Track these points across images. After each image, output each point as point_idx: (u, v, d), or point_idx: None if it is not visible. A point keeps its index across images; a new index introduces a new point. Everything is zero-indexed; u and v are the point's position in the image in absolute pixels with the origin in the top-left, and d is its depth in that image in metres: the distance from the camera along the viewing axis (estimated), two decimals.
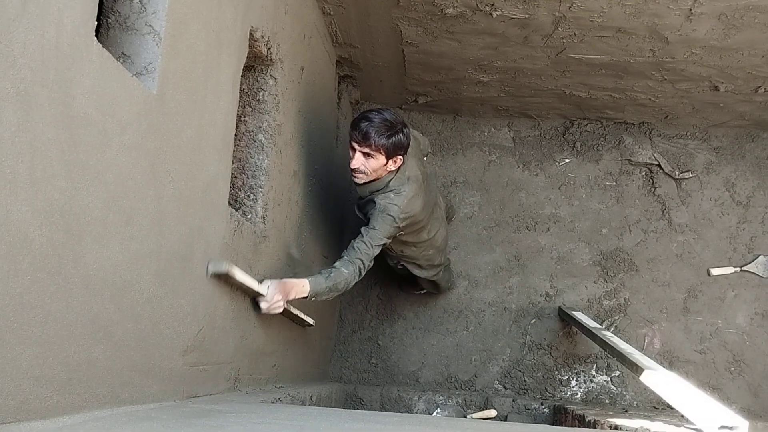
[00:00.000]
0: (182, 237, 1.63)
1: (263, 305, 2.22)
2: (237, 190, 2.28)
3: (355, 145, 2.53)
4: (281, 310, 2.31)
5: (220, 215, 1.89)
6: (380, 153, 2.53)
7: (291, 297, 2.33)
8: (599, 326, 3.39)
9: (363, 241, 2.59)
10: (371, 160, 2.54)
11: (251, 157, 2.31)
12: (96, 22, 1.23)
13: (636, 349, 3.09)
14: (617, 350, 2.71)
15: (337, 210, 3.71)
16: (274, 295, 2.23)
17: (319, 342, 3.52)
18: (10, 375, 1.02)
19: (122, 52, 1.43)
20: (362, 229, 2.64)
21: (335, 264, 2.54)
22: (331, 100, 3.50)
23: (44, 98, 1.04)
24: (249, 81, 2.34)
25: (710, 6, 2.64)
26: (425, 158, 3.08)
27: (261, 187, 2.31)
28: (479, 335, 3.97)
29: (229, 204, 2.15)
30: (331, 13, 3.02)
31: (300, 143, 2.78)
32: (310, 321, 2.90)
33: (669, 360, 3.82)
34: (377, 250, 2.63)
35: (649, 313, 3.88)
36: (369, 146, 2.51)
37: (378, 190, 2.65)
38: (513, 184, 4.13)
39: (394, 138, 2.52)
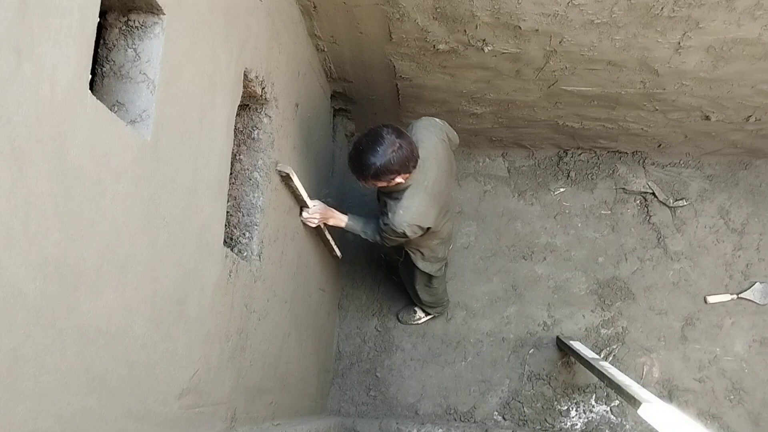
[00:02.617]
0: (177, 280, 1.64)
1: (304, 214, 2.81)
2: (233, 228, 2.29)
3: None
4: (314, 225, 2.88)
5: (216, 256, 1.90)
6: (381, 182, 2.62)
7: (329, 222, 2.95)
8: (597, 356, 3.39)
9: (381, 229, 2.83)
10: (379, 184, 2.65)
11: (246, 195, 2.33)
12: (90, 73, 1.25)
13: (635, 378, 3.09)
14: (615, 382, 2.70)
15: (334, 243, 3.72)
16: (316, 212, 2.84)
17: (317, 375, 3.51)
18: (3, 430, 1.02)
19: (117, 101, 1.44)
20: (381, 222, 2.83)
21: (371, 218, 2.94)
22: (327, 134, 3.53)
23: (39, 153, 1.06)
24: (244, 120, 2.37)
25: (698, 39, 2.68)
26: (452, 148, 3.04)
27: (256, 225, 2.32)
28: (478, 366, 3.96)
29: (225, 243, 2.16)
30: (325, 49, 3.06)
31: (298, 178, 2.79)
32: (338, 252, 3.37)
33: (668, 389, 3.80)
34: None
35: (647, 342, 3.87)
36: (368, 183, 2.63)
37: (394, 192, 2.72)
38: (509, 213, 4.14)
39: (386, 169, 2.55)
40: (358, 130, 4.07)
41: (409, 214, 2.72)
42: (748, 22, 2.54)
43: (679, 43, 2.72)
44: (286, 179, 2.52)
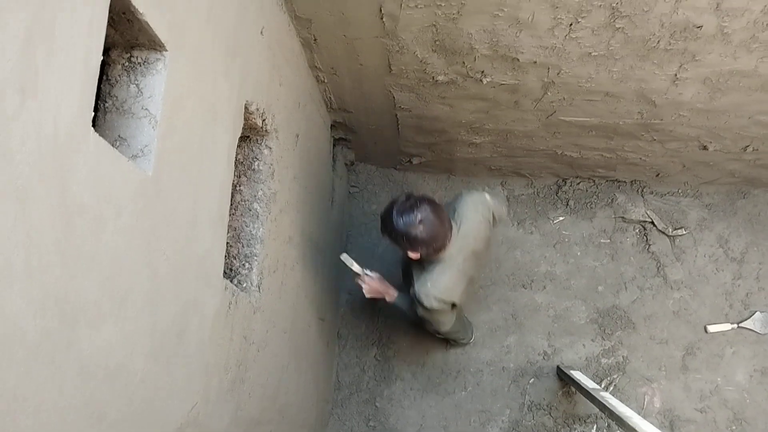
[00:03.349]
0: (176, 312, 1.64)
1: (364, 287, 3.08)
2: (232, 259, 2.30)
3: None
4: (368, 296, 3.12)
5: (215, 287, 1.90)
6: (414, 252, 2.67)
7: (378, 296, 3.13)
8: (597, 387, 3.37)
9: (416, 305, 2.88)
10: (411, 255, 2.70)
11: (246, 226, 2.34)
12: (93, 109, 1.27)
13: (636, 409, 3.07)
14: (616, 414, 2.69)
15: (334, 272, 3.72)
16: (370, 288, 3.09)
17: (316, 405, 3.49)
18: None
19: (119, 136, 1.46)
20: (412, 294, 2.87)
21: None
22: (327, 163, 3.55)
23: (41, 190, 1.07)
24: (245, 151, 2.38)
25: (695, 71, 2.71)
26: (494, 224, 3.03)
27: (256, 256, 2.33)
28: (478, 395, 3.93)
29: (225, 274, 2.16)
30: (325, 80, 3.09)
31: (295, 209, 2.81)
32: None
33: (669, 419, 3.77)
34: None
35: (648, 371, 3.86)
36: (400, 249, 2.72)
37: (425, 263, 2.75)
38: (508, 242, 4.15)
39: (415, 240, 2.60)
40: (358, 159, 4.10)
41: (437, 288, 2.77)
42: (744, 54, 2.57)
43: (676, 75, 2.75)
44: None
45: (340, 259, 3.05)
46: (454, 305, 2.90)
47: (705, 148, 3.46)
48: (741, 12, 2.32)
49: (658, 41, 2.52)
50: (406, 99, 3.23)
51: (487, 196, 2.99)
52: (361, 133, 3.73)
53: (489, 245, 3.06)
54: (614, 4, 2.32)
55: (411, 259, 2.79)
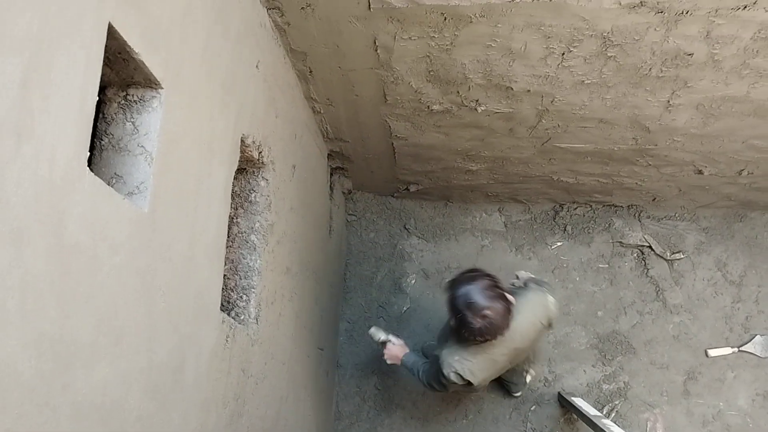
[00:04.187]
0: (173, 348, 1.64)
1: (386, 353, 3.25)
2: (230, 291, 2.29)
3: None
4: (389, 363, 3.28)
5: (212, 322, 1.90)
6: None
7: (397, 362, 3.24)
8: (599, 414, 3.34)
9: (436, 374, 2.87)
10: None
11: (244, 258, 2.34)
12: (89, 148, 1.28)
13: None
14: None
15: (332, 301, 3.71)
16: (390, 354, 3.23)
17: None
18: None
19: (115, 173, 1.47)
20: (438, 353, 2.87)
21: (426, 362, 3.08)
22: (324, 193, 3.56)
23: (37, 232, 1.07)
24: (241, 183, 2.39)
25: (687, 98, 2.73)
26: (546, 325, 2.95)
27: (254, 288, 2.33)
28: (479, 424, 3.90)
29: (222, 307, 2.16)
30: (321, 111, 3.11)
31: (293, 239, 2.81)
32: None
33: None
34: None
35: (649, 397, 3.83)
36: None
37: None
38: (506, 268, 4.13)
39: (467, 327, 2.56)
40: (356, 188, 4.11)
41: (462, 366, 2.74)
42: (736, 80, 2.59)
43: (669, 101, 2.78)
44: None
45: (368, 333, 3.34)
46: (470, 383, 2.86)
47: (700, 172, 3.47)
48: (731, 39, 2.34)
49: (650, 69, 2.55)
50: (402, 128, 3.26)
51: (551, 300, 2.90)
52: (358, 161, 3.75)
53: (534, 343, 3.02)
54: (605, 34, 2.35)
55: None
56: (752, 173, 3.44)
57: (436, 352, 2.95)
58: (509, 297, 2.62)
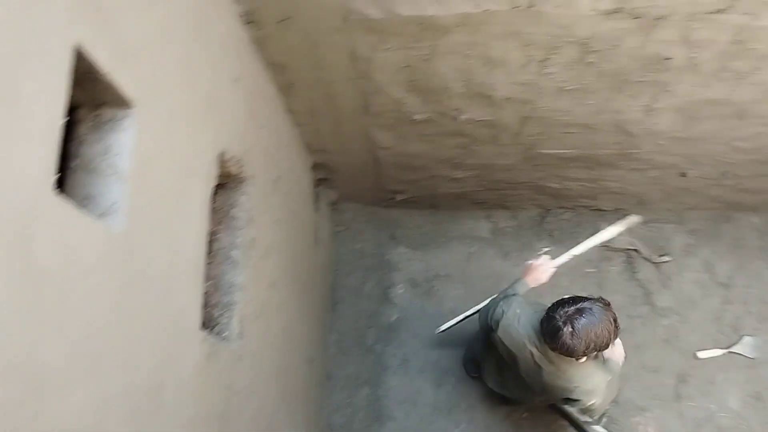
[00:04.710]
0: (152, 371, 1.61)
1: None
2: (212, 308, 2.27)
3: None
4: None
5: (193, 341, 1.87)
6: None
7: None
8: (590, 419, 3.33)
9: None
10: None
11: (226, 274, 2.32)
12: (60, 169, 1.26)
13: None
14: None
15: (321, 313, 3.70)
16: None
17: None
18: None
19: (87, 194, 1.45)
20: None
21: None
22: (308, 204, 3.54)
23: (4, 258, 1.05)
24: (222, 198, 2.38)
25: (667, 102, 2.74)
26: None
27: (236, 303, 2.30)
28: None
29: (204, 324, 2.14)
30: (304, 123, 3.10)
31: (278, 252, 2.79)
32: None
33: None
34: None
35: (641, 401, 3.82)
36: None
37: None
38: (495, 275, 4.13)
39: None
40: (341, 198, 4.10)
41: (509, 317, 2.94)
42: (715, 83, 2.60)
43: (650, 105, 2.78)
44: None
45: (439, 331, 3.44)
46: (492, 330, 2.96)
47: (685, 174, 3.48)
48: (708, 43, 2.35)
49: (630, 74, 2.55)
50: (386, 138, 3.25)
51: (612, 372, 2.97)
52: (343, 172, 3.74)
53: (550, 399, 3.05)
54: (584, 41, 2.35)
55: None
56: (737, 174, 3.45)
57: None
58: (607, 349, 2.68)
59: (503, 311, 2.93)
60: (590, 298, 2.64)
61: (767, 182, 3.54)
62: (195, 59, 1.82)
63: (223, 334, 2.25)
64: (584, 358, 2.70)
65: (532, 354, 2.81)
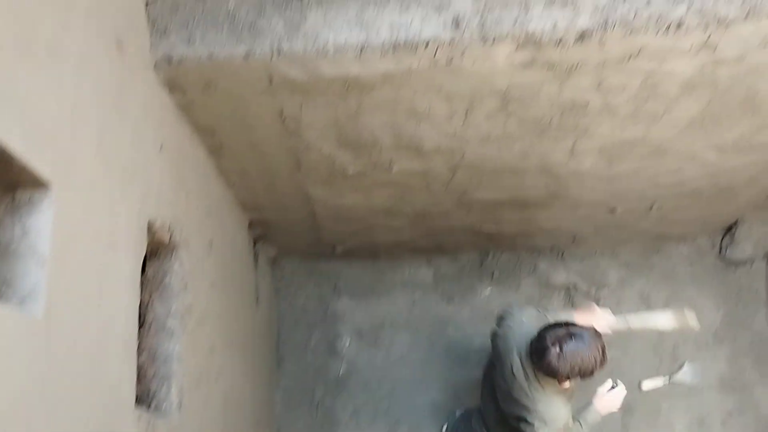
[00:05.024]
0: None
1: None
2: (148, 381, 2.21)
3: None
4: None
5: (127, 419, 1.82)
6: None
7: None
8: None
9: None
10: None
11: (161, 345, 2.26)
12: None
13: None
14: None
15: (265, 373, 3.63)
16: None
17: None
18: None
19: (4, 279, 1.41)
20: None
21: None
22: (247, 263, 3.50)
23: None
24: (154, 267, 2.33)
25: (588, 144, 2.83)
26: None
27: (174, 374, 2.25)
28: None
29: (141, 399, 2.08)
30: (237, 183, 3.09)
31: (215, 317, 2.75)
32: None
33: None
34: None
35: None
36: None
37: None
38: (440, 320, 4.15)
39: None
40: (281, 253, 4.08)
41: (513, 325, 2.89)
42: (631, 125, 2.70)
43: (572, 148, 2.87)
44: None
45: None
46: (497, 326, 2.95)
47: (613, 211, 3.59)
48: (621, 88, 2.45)
49: (551, 120, 2.64)
50: (320, 192, 3.26)
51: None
52: (281, 228, 3.72)
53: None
54: (503, 91, 2.43)
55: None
56: (662, 208, 3.58)
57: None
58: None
59: (515, 314, 2.93)
60: (583, 326, 2.68)
61: (691, 213, 3.68)
62: (114, 133, 1.81)
63: (162, 408, 2.19)
64: (566, 383, 2.72)
65: (512, 363, 2.80)
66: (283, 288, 4.17)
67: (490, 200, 3.41)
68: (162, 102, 2.24)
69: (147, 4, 2.10)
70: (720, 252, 4.06)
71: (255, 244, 3.75)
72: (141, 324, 2.22)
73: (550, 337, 2.61)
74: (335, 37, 2.14)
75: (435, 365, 4.05)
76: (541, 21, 2.08)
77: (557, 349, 2.58)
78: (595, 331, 2.69)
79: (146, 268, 2.28)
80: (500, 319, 2.97)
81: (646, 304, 4.04)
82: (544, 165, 3.03)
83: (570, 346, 2.58)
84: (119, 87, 1.86)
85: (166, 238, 2.24)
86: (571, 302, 4.09)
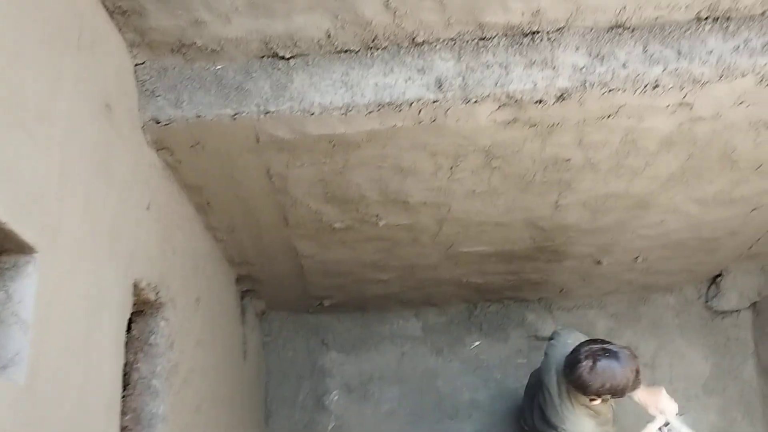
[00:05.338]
0: None
1: None
2: None
3: None
4: None
5: None
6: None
7: None
8: None
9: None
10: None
11: (146, 405, 2.24)
12: None
13: None
14: None
15: (252, 428, 3.58)
16: None
17: None
18: None
19: None
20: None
21: None
22: (235, 318, 3.49)
23: None
24: (140, 326, 2.32)
25: (572, 198, 2.88)
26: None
27: None
28: None
29: None
30: (224, 239, 3.10)
31: (202, 375, 2.72)
32: None
33: None
34: None
35: None
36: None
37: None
38: (429, 373, 4.13)
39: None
40: (269, 307, 4.06)
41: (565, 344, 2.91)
42: (614, 179, 2.75)
43: (557, 202, 2.91)
44: None
45: None
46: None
47: (599, 262, 3.62)
48: (602, 144, 2.51)
49: (534, 175, 2.68)
50: (308, 247, 3.27)
51: None
52: (269, 282, 3.72)
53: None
54: (487, 148, 2.47)
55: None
56: (647, 259, 3.61)
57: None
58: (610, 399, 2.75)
59: (562, 335, 2.96)
60: (621, 346, 2.70)
61: (676, 265, 3.71)
62: (101, 194, 1.82)
63: None
64: (597, 402, 2.70)
65: (549, 381, 2.83)
66: (271, 342, 4.14)
67: (477, 253, 3.44)
68: (150, 162, 2.26)
69: (136, 67, 2.14)
70: (706, 302, 4.08)
71: (243, 298, 3.74)
72: (126, 384, 2.20)
73: (584, 351, 2.62)
74: (321, 98, 2.18)
75: (425, 419, 4.01)
76: (521, 82, 2.13)
77: (590, 362, 2.58)
78: (632, 352, 2.69)
79: (132, 328, 2.26)
80: (548, 342, 2.98)
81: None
82: (529, 218, 3.06)
83: (603, 362, 2.59)
84: (107, 149, 1.89)
85: (152, 297, 2.23)
86: None
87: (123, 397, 2.15)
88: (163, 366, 2.31)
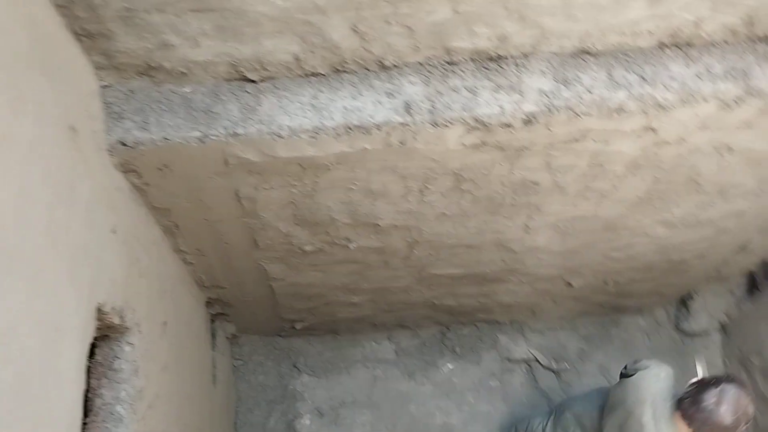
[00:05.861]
0: None
1: None
2: None
3: None
4: None
5: None
6: None
7: None
8: None
9: None
10: None
11: None
12: None
13: None
14: None
15: None
16: None
17: None
18: None
19: None
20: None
21: None
22: (204, 342, 3.44)
23: None
24: (103, 351, 2.27)
25: (542, 220, 2.90)
26: None
27: None
28: None
29: None
30: (193, 262, 3.06)
31: (168, 401, 2.67)
32: None
33: None
34: None
35: None
36: None
37: None
38: (401, 397, 4.10)
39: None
40: (240, 331, 4.02)
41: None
42: (582, 202, 2.78)
43: (526, 224, 2.93)
44: None
45: None
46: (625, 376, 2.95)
47: (570, 284, 3.64)
48: (570, 168, 2.53)
49: (503, 198, 2.70)
50: (278, 270, 3.25)
51: None
52: (239, 305, 3.68)
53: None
54: (456, 171, 2.49)
55: None
56: (617, 281, 3.64)
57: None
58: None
59: (653, 367, 2.91)
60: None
61: (646, 287, 3.75)
62: (64, 216, 1.79)
63: None
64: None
65: (642, 413, 2.77)
66: (242, 366, 4.09)
67: (449, 275, 3.44)
68: (116, 185, 2.23)
69: (102, 90, 2.13)
70: (677, 325, 4.12)
71: (213, 321, 3.70)
72: (88, 411, 2.15)
73: (710, 391, 2.62)
74: (290, 120, 2.18)
75: None
76: (488, 106, 2.15)
77: (718, 402, 2.59)
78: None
79: (95, 353, 2.22)
80: (634, 369, 2.95)
81: (606, 376, 4.05)
82: (499, 241, 3.08)
83: (731, 395, 2.59)
84: (71, 171, 1.86)
85: (116, 321, 2.19)
86: (532, 377, 4.08)
87: (85, 423, 2.11)
88: (128, 392, 2.26)
